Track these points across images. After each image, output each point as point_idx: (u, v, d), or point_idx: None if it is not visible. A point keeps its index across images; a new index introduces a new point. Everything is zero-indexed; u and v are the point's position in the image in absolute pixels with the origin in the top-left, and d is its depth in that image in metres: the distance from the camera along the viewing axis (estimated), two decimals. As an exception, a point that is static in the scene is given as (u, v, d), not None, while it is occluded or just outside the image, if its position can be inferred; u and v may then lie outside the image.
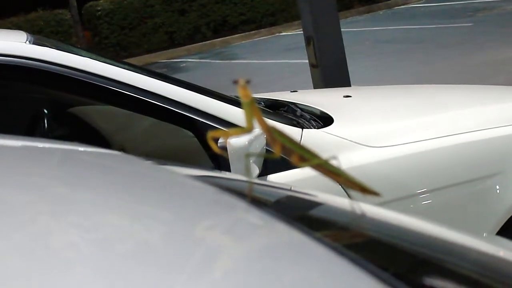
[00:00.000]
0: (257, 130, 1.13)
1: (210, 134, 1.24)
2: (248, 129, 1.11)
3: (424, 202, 2.59)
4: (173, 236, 0.87)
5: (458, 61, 9.28)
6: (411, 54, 10.51)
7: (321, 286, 0.75)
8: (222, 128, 2.46)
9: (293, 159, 1.15)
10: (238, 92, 1.08)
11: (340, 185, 1.23)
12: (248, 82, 1.08)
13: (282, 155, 1.15)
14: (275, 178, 2.46)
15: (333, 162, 1.17)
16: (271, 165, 2.47)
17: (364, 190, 1.17)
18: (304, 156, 1.15)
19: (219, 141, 2.35)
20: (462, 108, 3.00)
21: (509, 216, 2.62)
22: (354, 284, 0.75)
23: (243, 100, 1.09)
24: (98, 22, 16.24)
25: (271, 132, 1.13)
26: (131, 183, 1.16)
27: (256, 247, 0.87)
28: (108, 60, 2.67)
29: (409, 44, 11.51)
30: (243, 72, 11.19)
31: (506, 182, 2.63)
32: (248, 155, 2.31)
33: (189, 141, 2.71)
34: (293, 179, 2.43)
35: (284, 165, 2.45)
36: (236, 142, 2.29)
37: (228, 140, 2.30)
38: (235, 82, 1.08)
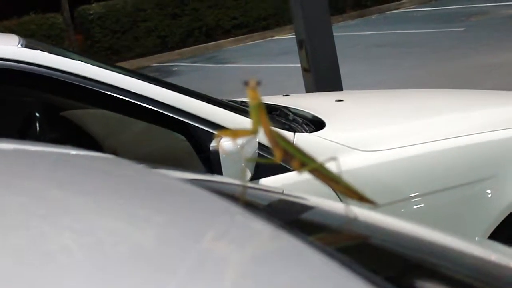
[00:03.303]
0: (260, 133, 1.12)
1: (218, 133, 1.25)
2: (254, 131, 1.10)
3: (416, 206, 2.60)
4: (166, 239, 0.87)
5: (450, 65, 9.30)
6: (404, 58, 10.53)
7: (313, 289, 0.75)
8: (214, 132, 2.46)
9: (294, 165, 1.15)
10: (247, 93, 1.08)
11: (337, 192, 1.23)
12: (258, 83, 1.07)
13: (281, 161, 1.16)
14: (267, 182, 2.47)
15: (333, 165, 1.17)
16: (263, 169, 2.47)
17: (362, 198, 1.17)
18: (304, 162, 1.15)
19: (211, 145, 2.35)
20: (453, 113, 3.00)
21: (500, 220, 2.63)
22: (345, 285, 0.76)
23: (251, 102, 1.08)
24: (90, 26, 16.21)
25: (274, 137, 1.13)
26: (124, 186, 1.16)
27: (248, 250, 0.87)
28: (100, 64, 2.67)
29: (402, 48, 11.53)
30: (236, 76, 11.19)
31: (498, 186, 2.64)
32: (247, 160, 2.32)
33: (181, 144, 2.71)
34: (284, 183, 2.43)
35: (276, 169, 2.45)
36: (228, 146, 2.29)
37: (220, 143, 2.31)
38: (246, 83, 1.07)
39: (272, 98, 3.54)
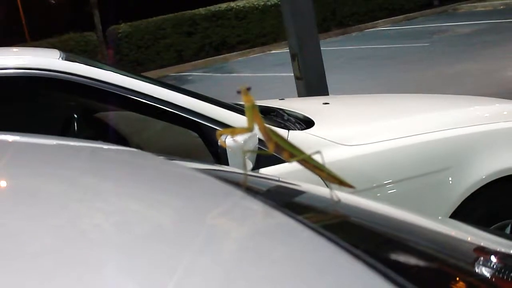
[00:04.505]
0: (255, 130, 1.12)
1: (219, 132, 1.25)
2: (249, 129, 1.10)
3: (390, 191, 2.60)
4: (181, 219, 0.87)
5: (417, 74, 9.28)
6: (379, 69, 10.50)
7: (303, 259, 0.75)
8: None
9: (284, 156, 1.15)
10: (241, 97, 1.08)
11: (321, 178, 1.23)
12: (248, 89, 1.07)
13: (274, 152, 1.16)
14: (265, 171, 2.46)
15: (317, 157, 1.17)
16: (262, 160, 2.47)
17: (342, 183, 1.17)
18: (293, 153, 1.15)
19: (219, 141, 2.35)
20: (420, 113, 3.00)
21: (459, 203, 2.63)
22: (330, 257, 0.75)
23: (245, 104, 1.08)
24: (119, 42, 16.22)
25: (267, 132, 1.13)
26: (146, 175, 1.16)
27: (250, 228, 0.87)
28: (127, 74, 2.67)
29: (377, 60, 11.51)
30: (240, 83, 11.14)
31: (457, 174, 2.64)
32: (245, 152, 2.31)
33: (194, 140, 2.71)
34: (280, 172, 2.42)
35: (273, 160, 2.45)
36: (233, 142, 2.29)
37: (226, 139, 2.30)
38: (239, 91, 1.07)
39: (269, 101, 3.53)
